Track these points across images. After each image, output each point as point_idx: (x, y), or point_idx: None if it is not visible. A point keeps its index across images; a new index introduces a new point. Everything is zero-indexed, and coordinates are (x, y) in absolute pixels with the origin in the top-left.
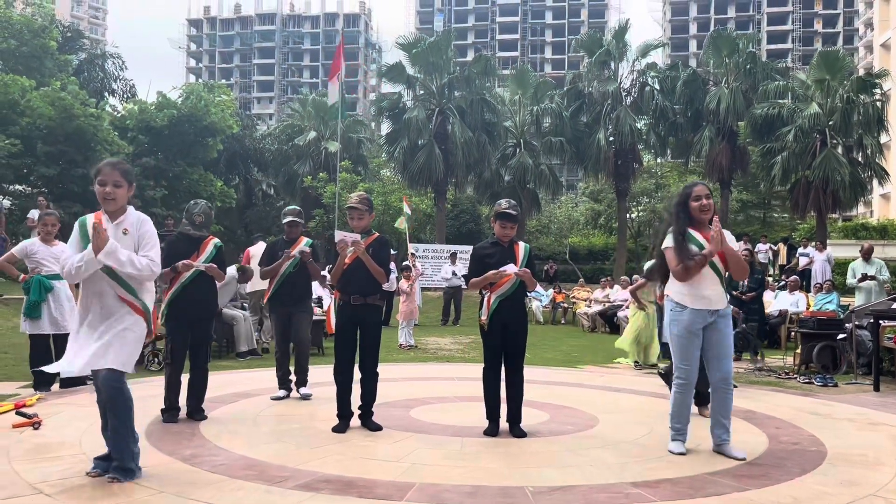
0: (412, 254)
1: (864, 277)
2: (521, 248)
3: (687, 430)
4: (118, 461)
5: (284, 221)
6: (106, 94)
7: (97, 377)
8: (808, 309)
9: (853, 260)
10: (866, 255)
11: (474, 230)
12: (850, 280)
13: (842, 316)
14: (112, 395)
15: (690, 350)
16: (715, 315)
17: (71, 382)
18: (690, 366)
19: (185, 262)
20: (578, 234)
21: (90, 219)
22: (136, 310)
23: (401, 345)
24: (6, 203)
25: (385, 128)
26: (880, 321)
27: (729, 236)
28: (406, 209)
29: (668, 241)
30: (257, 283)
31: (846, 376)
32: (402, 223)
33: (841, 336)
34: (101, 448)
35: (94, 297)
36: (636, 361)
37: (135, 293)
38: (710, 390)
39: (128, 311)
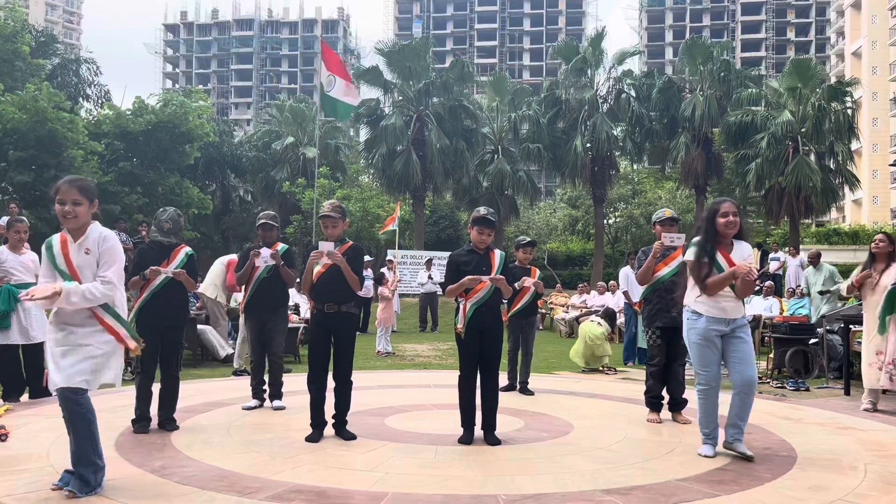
0: (390, 260)
1: (822, 293)
2: (497, 255)
3: (717, 434)
4: (77, 474)
5: (258, 224)
6: (80, 99)
7: (58, 387)
8: (781, 314)
9: (828, 264)
10: (814, 261)
11: (453, 236)
12: (813, 290)
13: (813, 321)
14: (69, 409)
15: (709, 356)
16: (732, 325)
17: (41, 393)
18: (710, 371)
19: (153, 268)
20: (556, 239)
21: (56, 240)
22: (106, 326)
23: (378, 352)
24: None
25: (363, 134)
26: (850, 326)
27: (746, 247)
28: (395, 215)
29: (689, 255)
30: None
31: (818, 381)
32: (386, 227)
33: (813, 341)
34: (69, 460)
35: (64, 313)
36: (585, 367)
37: (108, 308)
38: (713, 388)
39: (97, 328)
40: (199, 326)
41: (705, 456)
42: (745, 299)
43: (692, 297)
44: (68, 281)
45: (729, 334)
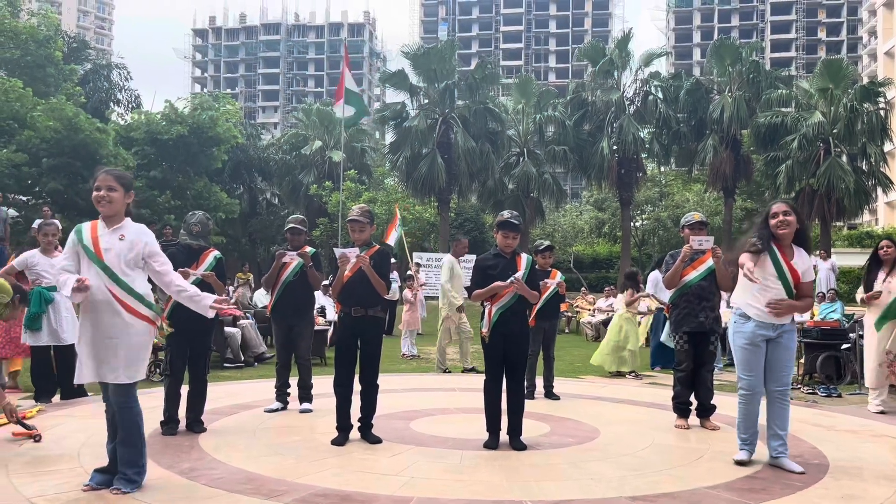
0: (417, 263)
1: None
2: (524, 259)
3: (755, 440)
4: (123, 473)
5: (286, 229)
6: (111, 104)
7: (106, 391)
8: (812, 318)
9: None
10: None
11: (478, 239)
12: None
13: (846, 325)
14: (120, 410)
15: (754, 361)
16: (779, 329)
17: (72, 394)
18: (755, 376)
19: (183, 270)
20: (582, 242)
21: (86, 227)
22: (140, 316)
23: (403, 354)
24: (11, 213)
25: (388, 137)
26: None
27: (805, 257)
28: (396, 221)
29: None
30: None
31: (850, 387)
32: (390, 232)
33: (845, 346)
34: (100, 461)
35: (98, 305)
36: (616, 371)
37: (139, 298)
38: (755, 393)
39: (133, 318)
40: (227, 329)
41: (740, 461)
42: None
43: (741, 300)
44: (93, 259)
45: (775, 339)
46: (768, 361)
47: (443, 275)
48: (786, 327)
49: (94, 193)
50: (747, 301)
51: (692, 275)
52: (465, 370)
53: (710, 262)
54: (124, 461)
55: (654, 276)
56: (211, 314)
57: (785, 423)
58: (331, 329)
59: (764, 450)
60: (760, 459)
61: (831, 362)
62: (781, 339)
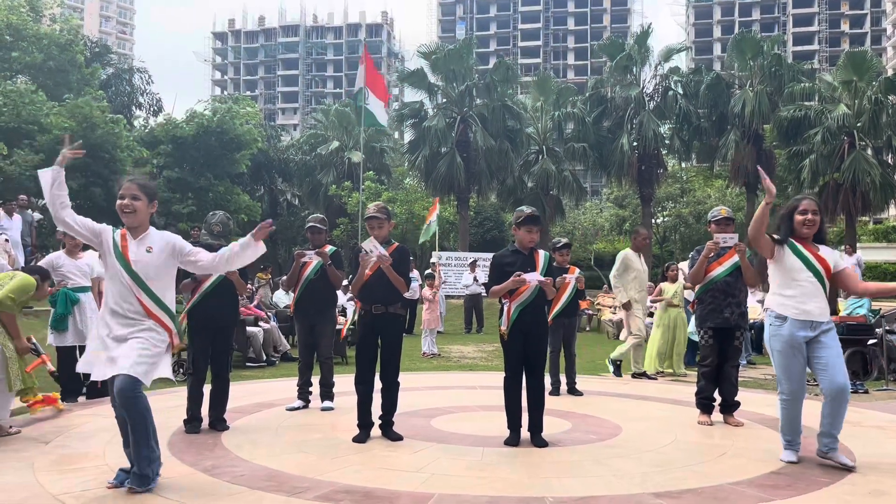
0: (435, 262)
1: None
2: (542, 256)
3: (799, 441)
4: (137, 469)
5: (307, 228)
6: (133, 107)
7: (113, 387)
8: (837, 314)
9: (883, 263)
10: None
11: (498, 237)
12: None
13: (872, 321)
14: (127, 404)
15: (794, 365)
16: (818, 329)
17: (97, 393)
18: (795, 381)
19: None
20: (603, 240)
21: (118, 232)
22: (159, 321)
23: (424, 353)
24: (36, 216)
25: (407, 136)
26: None
27: (827, 249)
28: (433, 217)
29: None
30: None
31: (877, 382)
32: (428, 219)
33: (871, 341)
34: (125, 460)
35: (118, 306)
36: (659, 371)
37: (160, 303)
38: (797, 398)
39: (151, 322)
40: (249, 329)
41: (788, 461)
42: None
43: (776, 301)
44: (122, 265)
45: (814, 340)
46: (814, 364)
47: (615, 267)
48: (825, 326)
49: (119, 202)
50: (781, 301)
51: (718, 270)
52: (634, 375)
53: (735, 257)
54: (138, 458)
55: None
56: (262, 246)
57: (838, 423)
58: (344, 328)
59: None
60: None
61: (858, 358)
62: (821, 337)
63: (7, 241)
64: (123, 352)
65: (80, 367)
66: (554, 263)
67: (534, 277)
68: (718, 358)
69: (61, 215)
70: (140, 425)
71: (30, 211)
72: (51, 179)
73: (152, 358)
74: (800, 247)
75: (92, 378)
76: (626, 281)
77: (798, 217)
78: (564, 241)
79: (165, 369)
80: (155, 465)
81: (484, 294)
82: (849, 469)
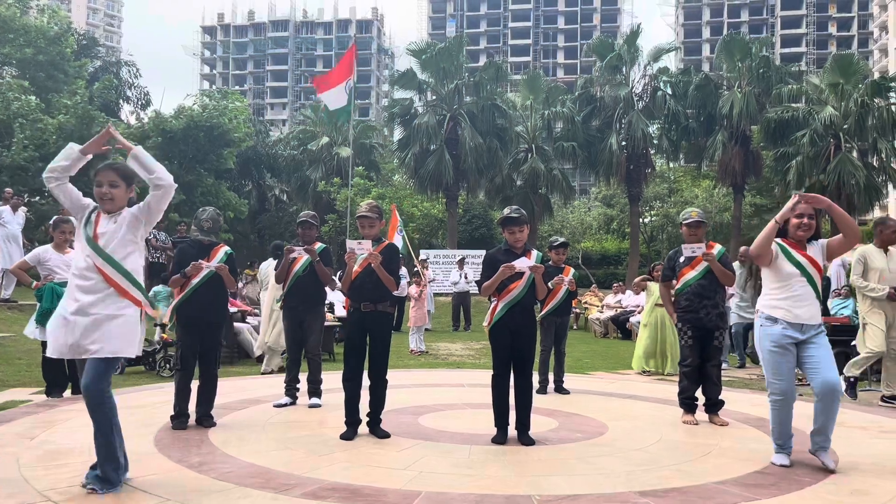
0: (422, 259)
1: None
2: (534, 255)
3: (791, 444)
4: (99, 470)
5: (298, 222)
6: (121, 101)
7: (83, 380)
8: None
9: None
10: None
11: (486, 235)
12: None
13: (856, 322)
14: (92, 398)
15: (783, 365)
16: (809, 332)
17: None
18: (784, 381)
19: (195, 263)
20: (591, 238)
21: (94, 216)
22: (130, 297)
23: (412, 350)
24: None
25: (397, 133)
26: None
27: (815, 245)
28: (398, 230)
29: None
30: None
31: (860, 383)
32: (391, 235)
33: (854, 342)
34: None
35: (83, 280)
36: (646, 370)
37: (127, 275)
38: (787, 398)
39: (116, 297)
40: (237, 325)
41: (781, 465)
42: None
43: (767, 303)
44: (88, 241)
45: (804, 342)
46: (805, 364)
47: (854, 268)
48: (815, 330)
49: (96, 189)
50: (773, 304)
51: (691, 274)
52: (884, 399)
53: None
54: (101, 457)
55: None
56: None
57: (831, 422)
58: (338, 325)
59: (770, 445)
60: (767, 456)
61: (841, 358)
62: (811, 339)
63: None
64: (93, 331)
65: (50, 352)
66: (549, 262)
67: (524, 264)
68: (699, 358)
69: (54, 184)
70: (107, 424)
71: (24, 208)
72: (69, 160)
73: (126, 331)
74: (793, 252)
75: (50, 354)
76: (883, 280)
77: (794, 220)
78: (562, 239)
79: (135, 344)
80: (121, 471)
81: (474, 291)
82: (830, 471)
